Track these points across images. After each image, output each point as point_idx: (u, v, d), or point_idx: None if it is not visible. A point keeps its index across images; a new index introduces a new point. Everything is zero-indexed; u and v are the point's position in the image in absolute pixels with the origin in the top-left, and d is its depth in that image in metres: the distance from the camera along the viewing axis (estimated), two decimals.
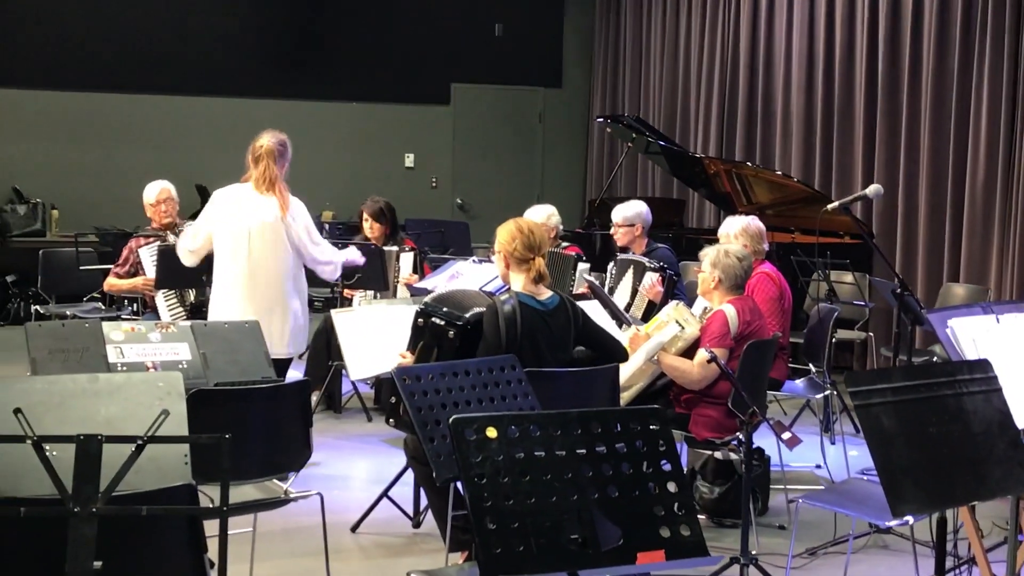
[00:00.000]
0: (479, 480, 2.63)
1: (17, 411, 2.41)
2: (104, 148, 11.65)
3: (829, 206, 6.02)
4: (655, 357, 5.22)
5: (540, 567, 2.59)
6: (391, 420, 4.68)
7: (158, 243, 6.91)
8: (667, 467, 2.79)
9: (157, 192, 7.16)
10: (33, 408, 2.68)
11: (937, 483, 3.14)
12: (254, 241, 5.78)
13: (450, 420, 2.68)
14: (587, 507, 2.67)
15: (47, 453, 2.49)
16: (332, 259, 6.13)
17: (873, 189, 5.88)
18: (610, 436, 2.77)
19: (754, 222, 6.25)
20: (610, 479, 2.72)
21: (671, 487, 2.76)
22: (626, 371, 5.12)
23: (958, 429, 3.20)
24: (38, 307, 8.74)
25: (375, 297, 7.52)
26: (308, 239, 5.93)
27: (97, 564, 2.30)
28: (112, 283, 7.27)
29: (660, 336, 5.22)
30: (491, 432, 2.70)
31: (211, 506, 2.69)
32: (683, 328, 5.23)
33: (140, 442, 2.38)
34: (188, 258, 6.03)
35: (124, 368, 4.37)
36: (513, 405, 3.82)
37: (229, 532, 2.99)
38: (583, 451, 2.74)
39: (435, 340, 4.51)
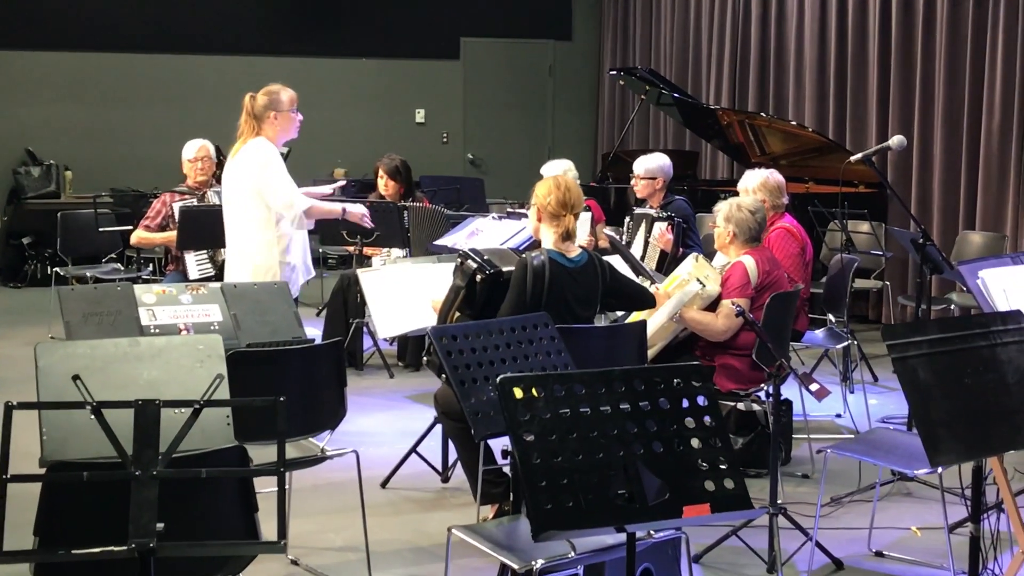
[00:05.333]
0: (527, 438, 2.67)
1: (76, 378, 2.45)
2: (116, 109, 11.66)
3: (853, 158, 6.03)
4: (677, 315, 5.25)
5: (589, 522, 2.64)
6: (426, 358, 4.79)
7: (194, 200, 7.00)
8: (710, 422, 2.84)
9: (196, 149, 7.27)
10: (79, 373, 2.71)
11: (973, 433, 3.18)
12: (231, 194, 5.73)
13: (497, 379, 2.72)
14: (633, 462, 2.71)
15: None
16: (291, 205, 5.62)
17: (896, 140, 5.88)
18: (653, 393, 2.81)
19: (773, 175, 6.23)
20: (655, 435, 2.77)
21: (714, 442, 2.81)
22: (648, 330, 5.15)
23: (993, 379, 3.24)
24: (58, 269, 8.76)
25: (406, 256, 7.49)
26: (258, 185, 5.62)
27: (159, 525, 2.34)
28: (144, 236, 7.19)
29: (681, 295, 5.23)
30: (536, 391, 2.74)
31: (267, 466, 2.73)
32: (704, 286, 5.25)
33: (197, 406, 2.42)
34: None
35: (157, 331, 4.38)
36: (547, 362, 3.87)
37: (264, 491, 3.03)
38: (627, 407, 2.78)
39: (463, 279, 4.60)
